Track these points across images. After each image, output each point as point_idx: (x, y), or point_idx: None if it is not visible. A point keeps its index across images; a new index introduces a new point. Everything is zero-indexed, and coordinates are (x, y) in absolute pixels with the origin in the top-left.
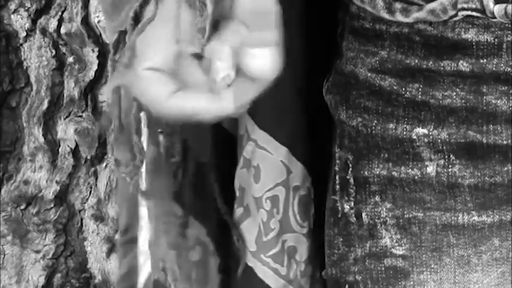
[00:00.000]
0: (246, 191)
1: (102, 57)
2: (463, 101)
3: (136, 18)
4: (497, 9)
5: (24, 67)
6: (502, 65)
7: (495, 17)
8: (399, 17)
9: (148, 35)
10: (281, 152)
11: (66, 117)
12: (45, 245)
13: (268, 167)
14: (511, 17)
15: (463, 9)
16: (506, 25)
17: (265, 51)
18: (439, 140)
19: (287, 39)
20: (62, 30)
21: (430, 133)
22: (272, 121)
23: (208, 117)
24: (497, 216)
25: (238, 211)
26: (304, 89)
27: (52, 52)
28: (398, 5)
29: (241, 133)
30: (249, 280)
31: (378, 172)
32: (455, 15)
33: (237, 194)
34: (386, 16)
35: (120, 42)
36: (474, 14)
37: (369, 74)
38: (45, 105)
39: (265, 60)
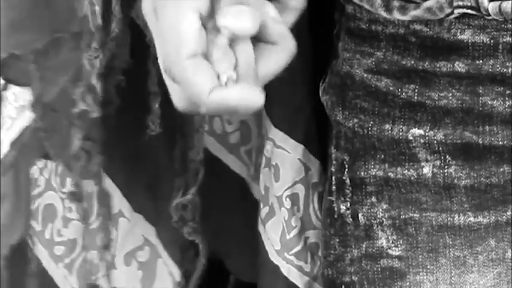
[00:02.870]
0: (269, 190)
1: None
2: (459, 101)
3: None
4: (492, 7)
5: None
6: (498, 65)
7: (489, 15)
8: (396, 15)
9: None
10: (298, 150)
11: None
12: None
13: (286, 166)
14: (505, 14)
15: (459, 6)
16: (502, 26)
17: (242, 7)
18: (435, 141)
19: (300, 39)
20: None
21: (426, 134)
22: (287, 120)
23: (246, 113)
24: (493, 217)
25: (264, 210)
26: (314, 88)
27: None
28: (396, 3)
29: (263, 132)
30: (274, 278)
31: (374, 173)
32: (452, 12)
33: (262, 192)
34: (384, 14)
35: (8, 62)
36: (469, 11)
37: (365, 75)
38: None
39: (241, 17)
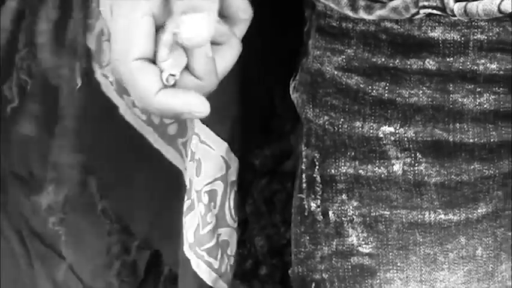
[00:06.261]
0: (192, 184)
1: None
2: (429, 99)
3: None
4: (457, 7)
5: None
6: (468, 63)
7: (455, 15)
8: (362, 15)
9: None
10: (222, 147)
11: None
12: None
13: (208, 162)
14: (470, 15)
15: (424, 7)
16: (473, 23)
17: (196, 17)
18: (406, 138)
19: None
20: None
21: (397, 131)
22: (214, 117)
23: (191, 118)
24: (464, 215)
25: (187, 203)
26: (253, 85)
27: None
28: (362, 2)
29: (191, 127)
30: (184, 272)
31: (344, 170)
32: (417, 13)
33: (187, 186)
34: (350, 13)
35: None
36: (435, 11)
37: (336, 72)
38: None
39: (195, 27)
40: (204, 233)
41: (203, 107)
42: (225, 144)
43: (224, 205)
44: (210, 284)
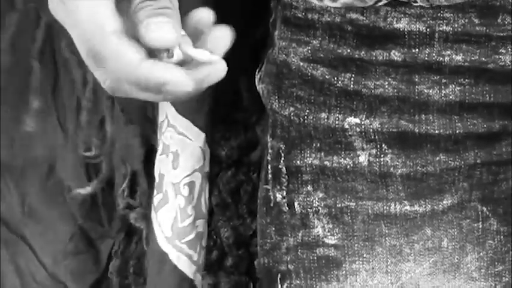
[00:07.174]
0: (164, 177)
1: None
2: (395, 90)
3: None
4: None
5: None
6: (434, 54)
7: (417, 1)
8: (327, 2)
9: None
10: (200, 138)
11: None
12: None
13: (186, 153)
14: (431, 1)
15: None
16: (439, 15)
17: (160, 19)
18: (371, 130)
19: None
20: None
21: (362, 122)
22: (191, 108)
23: (172, 93)
24: (429, 206)
25: (158, 197)
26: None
27: None
28: None
29: (162, 120)
30: (162, 266)
31: (310, 161)
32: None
33: (157, 180)
34: (315, 1)
35: None
36: None
37: (301, 64)
38: None
39: (161, 29)
40: (184, 225)
41: (187, 82)
42: (203, 135)
43: (201, 197)
44: (190, 276)
